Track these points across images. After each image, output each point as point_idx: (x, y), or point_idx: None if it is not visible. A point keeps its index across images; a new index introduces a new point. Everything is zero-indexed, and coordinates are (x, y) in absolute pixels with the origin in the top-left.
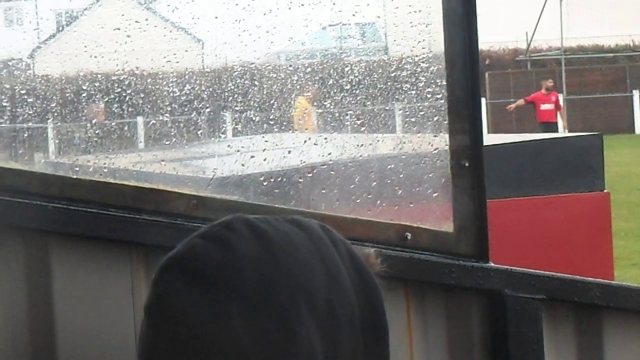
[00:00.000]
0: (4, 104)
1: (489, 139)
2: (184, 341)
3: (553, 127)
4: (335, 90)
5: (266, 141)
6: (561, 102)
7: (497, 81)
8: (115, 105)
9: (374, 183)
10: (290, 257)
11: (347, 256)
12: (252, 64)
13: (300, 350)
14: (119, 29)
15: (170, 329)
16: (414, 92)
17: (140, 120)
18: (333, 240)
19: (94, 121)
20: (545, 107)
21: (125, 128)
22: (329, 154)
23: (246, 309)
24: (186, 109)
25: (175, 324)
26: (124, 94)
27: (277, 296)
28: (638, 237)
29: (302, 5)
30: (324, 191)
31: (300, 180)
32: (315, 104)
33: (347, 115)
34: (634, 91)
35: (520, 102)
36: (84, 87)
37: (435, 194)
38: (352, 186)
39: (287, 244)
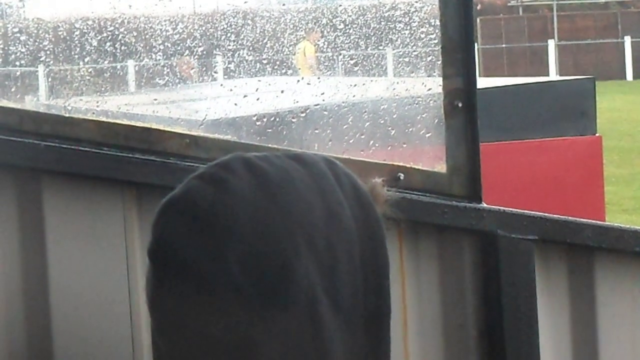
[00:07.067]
0: None
1: (481, 82)
2: (183, 283)
3: None
4: (328, 30)
5: (259, 80)
6: None
7: (489, 27)
8: (108, 44)
9: (367, 124)
10: (287, 194)
11: (350, 190)
12: (245, 2)
13: (298, 287)
14: None
15: (169, 270)
16: (407, 32)
17: (131, 62)
18: (336, 175)
19: (183, 76)
20: None
21: (118, 67)
22: (322, 94)
23: (242, 249)
24: (179, 48)
25: (174, 266)
26: (116, 33)
27: (274, 235)
28: (629, 183)
29: None
30: (317, 131)
31: (294, 120)
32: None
33: (340, 55)
34: (625, 37)
35: None
36: (77, 26)
37: (428, 135)
38: (345, 127)
39: (285, 181)
